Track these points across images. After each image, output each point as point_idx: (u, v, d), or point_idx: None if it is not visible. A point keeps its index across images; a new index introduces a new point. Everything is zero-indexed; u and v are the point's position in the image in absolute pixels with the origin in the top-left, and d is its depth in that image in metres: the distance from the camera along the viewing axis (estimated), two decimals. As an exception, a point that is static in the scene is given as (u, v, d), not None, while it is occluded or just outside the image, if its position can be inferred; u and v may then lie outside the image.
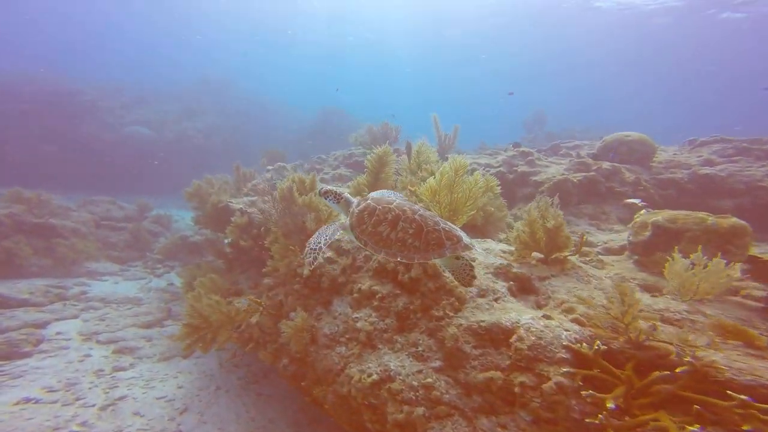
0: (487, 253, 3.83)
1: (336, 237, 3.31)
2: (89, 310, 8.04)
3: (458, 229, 3.06)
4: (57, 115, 25.08)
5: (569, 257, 3.67)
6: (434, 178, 3.88)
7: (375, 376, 3.04)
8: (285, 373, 3.99)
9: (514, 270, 3.51)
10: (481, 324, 2.94)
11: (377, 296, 3.57)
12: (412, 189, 4.84)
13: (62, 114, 25.41)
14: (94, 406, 4.88)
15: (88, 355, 6.23)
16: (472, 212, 3.80)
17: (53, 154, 24.04)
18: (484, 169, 8.55)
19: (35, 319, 6.95)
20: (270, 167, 11.02)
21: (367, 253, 3.88)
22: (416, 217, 3.02)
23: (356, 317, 3.53)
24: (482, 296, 3.25)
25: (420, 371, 2.97)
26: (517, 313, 2.97)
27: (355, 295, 3.72)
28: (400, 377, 2.96)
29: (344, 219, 3.28)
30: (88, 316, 7.69)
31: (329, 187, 3.44)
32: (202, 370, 6.23)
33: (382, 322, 3.41)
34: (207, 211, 8.62)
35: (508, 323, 2.86)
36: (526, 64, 49.76)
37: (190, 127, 26.58)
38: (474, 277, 3.01)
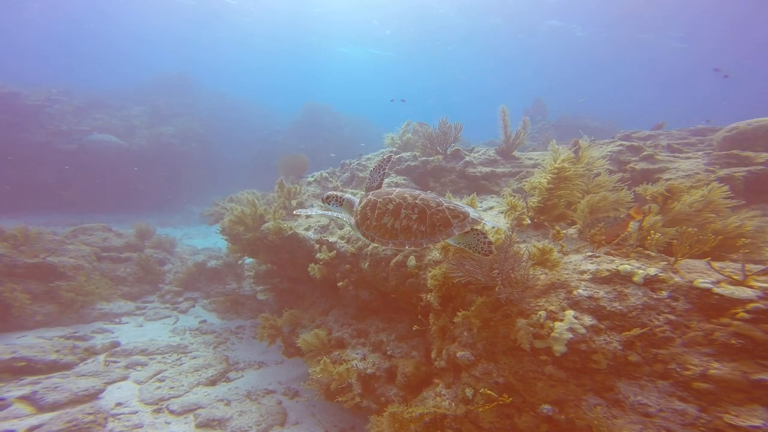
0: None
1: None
2: (135, 368, 6.92)
3: (465, 205, 3.14)
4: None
5: None
6: None
7: None
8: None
9: None
10: None
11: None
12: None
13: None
14: None
15: (172, 434, 5.25)
16: None
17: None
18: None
19: (84, 389, 5.80)
20: (310, 178, 10.08)
21: (672, 318, 2.87)
22: (418, 201, 3.12)
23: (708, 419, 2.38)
24: None
25: None
26: None
27: (700, 384, 2.51)
28: None
29: (350, 221, 3.38)
30: (140, 377, 6.59)
31: (330, 193, 3.66)
32: (312, 442, 5.38)
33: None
34: (268, 239, 7.60)
35: None
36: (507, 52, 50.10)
37: (164, 133, 24.68)
38: (491, 243, 3.04)
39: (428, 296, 4.01)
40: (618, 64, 48.01)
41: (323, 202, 3.78)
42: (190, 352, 7.80)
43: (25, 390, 5.61)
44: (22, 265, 8.78)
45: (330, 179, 9.99)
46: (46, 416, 5.15)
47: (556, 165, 4.21)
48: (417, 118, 12.27)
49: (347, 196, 3.64)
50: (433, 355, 3.92)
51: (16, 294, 8.05)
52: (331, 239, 6.66)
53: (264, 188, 13.31)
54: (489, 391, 3.06)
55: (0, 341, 7.23)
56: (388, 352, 5.16)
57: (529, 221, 4.33)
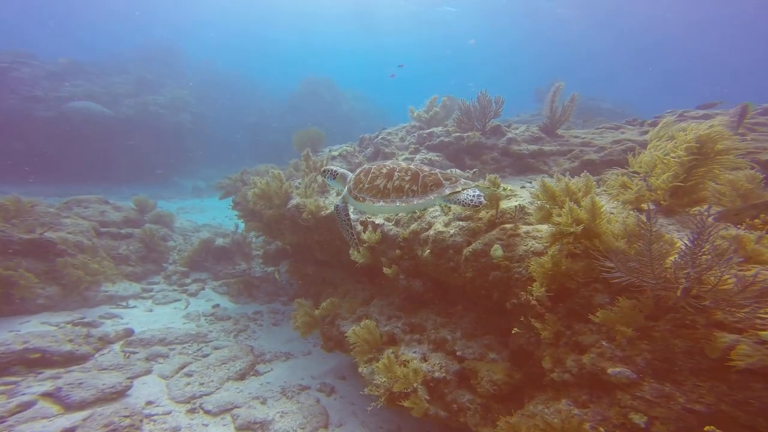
0: None
1: (349, 213, 3.89)
2: (157, 360, 6.39)
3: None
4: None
5: None
6: None
7: None
8: None
9: None
10: None
11: None
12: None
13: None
14: None
15: (214, 438, 4.78)
16: None
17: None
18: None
19: (111, 386, 5.23)
20: (335, 152, 9.45)
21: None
22: (411, 166, 3.36)
23: None
24: None
25: None
26: None
27: None
28: None
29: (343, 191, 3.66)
30: (164, 370, 6.06)
31: (328, 167, 3.95)
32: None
33: None
34: (302, 218, 7.00)
35: None
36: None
37: (151, 102, 23.37)
38: (481, 195, 3.07)
39: (528, 294, 3.54)
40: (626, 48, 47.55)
41: (321, 174, 4.24)
42: (211, 341, 7.29)
43: (47, 386, 5.07)
44: (18, 242, 8.03)
45: (355, 154, 9.37)
46: (76, 416, 4.63)
47: (702, 133, 3.47)
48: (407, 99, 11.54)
49: (341, 170, 3.92)
50: (546, 365, 3.38)
51: (22, 272, 7.37)
52: (377, 220, 6.12)
53: (261, 163, 12.65)
54: (711, 427, 2.30)
55: (4, 328, 6.62)
56: (458, 353, 4.66)
57: (653, 206, 3.75)
